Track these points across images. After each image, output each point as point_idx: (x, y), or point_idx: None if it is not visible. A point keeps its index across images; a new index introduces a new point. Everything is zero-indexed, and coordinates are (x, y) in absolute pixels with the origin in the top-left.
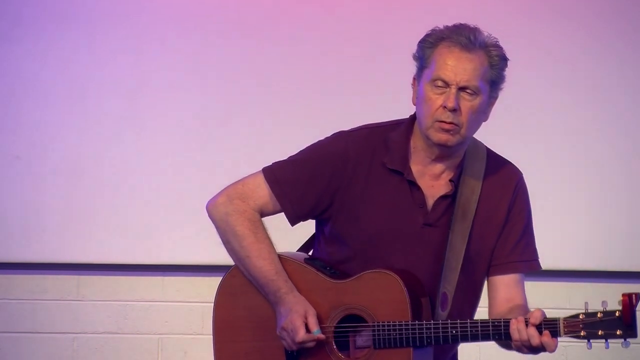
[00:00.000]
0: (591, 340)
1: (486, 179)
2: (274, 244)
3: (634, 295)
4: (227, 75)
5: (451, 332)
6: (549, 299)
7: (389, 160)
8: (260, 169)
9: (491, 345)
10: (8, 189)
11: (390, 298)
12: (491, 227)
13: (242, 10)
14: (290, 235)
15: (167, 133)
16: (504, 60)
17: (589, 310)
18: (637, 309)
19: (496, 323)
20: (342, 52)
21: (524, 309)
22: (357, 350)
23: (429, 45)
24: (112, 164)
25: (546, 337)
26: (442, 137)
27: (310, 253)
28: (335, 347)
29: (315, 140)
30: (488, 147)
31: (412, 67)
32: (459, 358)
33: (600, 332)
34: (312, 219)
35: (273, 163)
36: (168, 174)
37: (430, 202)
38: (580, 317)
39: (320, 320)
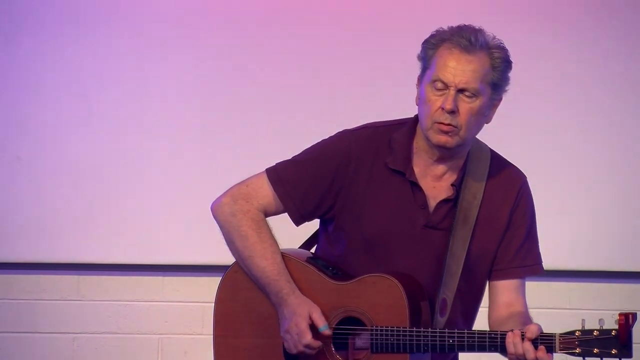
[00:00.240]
0: (586, 358)
1: (489, 182)
2: (278, 243)
3: (630, 315)
4: (229, 75)
5: (448, 341)
6: (549, 299)
7: (391, 161)
8: (264, 169)
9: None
10: (8, 189)
11: (389, 303)
12: (492, 231)
13: (243, 10)
14: (294, 233)
15: (168, 133)
16: (507, 62)
17: (585, 328)
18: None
19: (492, 335)
20: (345, 51)
21: (523, 315)
22: (355, 353)
23: (431, 47)
24: (112, 164)
25: (541, 353)
26: (440, 138)
27: (313, 250)
28: (333, 348)
29: (319, 140)
30: (492, 149)
31: (417, 67)
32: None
33: (595, 351)
34: (316, 218)
35: (276, 163)
36: (168, 174)
37: (431, 203)
38: (577, 334)
39: None
